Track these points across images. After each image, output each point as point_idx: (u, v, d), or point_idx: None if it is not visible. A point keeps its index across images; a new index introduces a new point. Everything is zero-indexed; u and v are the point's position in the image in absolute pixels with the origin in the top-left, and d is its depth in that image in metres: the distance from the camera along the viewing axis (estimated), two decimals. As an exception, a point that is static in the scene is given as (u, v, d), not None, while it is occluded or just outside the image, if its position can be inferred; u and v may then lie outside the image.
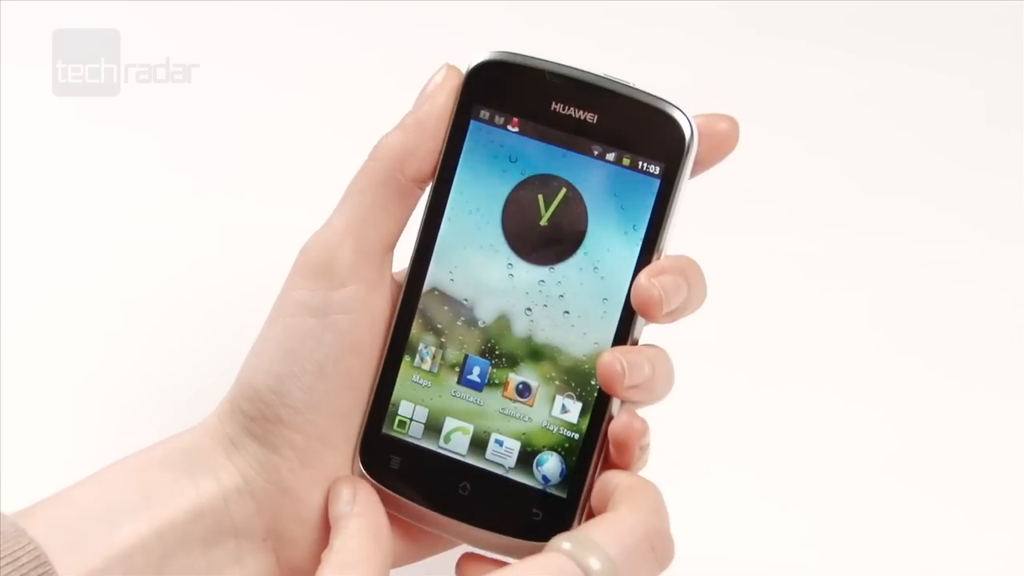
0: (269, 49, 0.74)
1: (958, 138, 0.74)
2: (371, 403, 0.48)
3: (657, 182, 0.47)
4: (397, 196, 0.48)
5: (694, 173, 0.48)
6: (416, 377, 0.48)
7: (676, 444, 0.64)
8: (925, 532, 0.64)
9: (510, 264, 0.48)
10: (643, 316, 0.46)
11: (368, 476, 0.47)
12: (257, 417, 0.47)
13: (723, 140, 0.48)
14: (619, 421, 0.46)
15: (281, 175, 0.71)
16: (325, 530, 0.47)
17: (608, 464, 0.48)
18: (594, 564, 0.42)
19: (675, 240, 0.48)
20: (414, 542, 0.50)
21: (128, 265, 0.68)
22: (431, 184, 0.48)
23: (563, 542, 0.42)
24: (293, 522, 0.48)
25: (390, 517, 0.47)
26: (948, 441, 0.66)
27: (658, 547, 0.43)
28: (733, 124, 0.48)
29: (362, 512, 0.46)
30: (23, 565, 0.42)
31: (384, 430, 0.48)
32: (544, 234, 0.47)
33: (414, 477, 0.47)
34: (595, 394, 0.47)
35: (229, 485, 0.47)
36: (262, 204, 0.70)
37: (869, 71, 0.76)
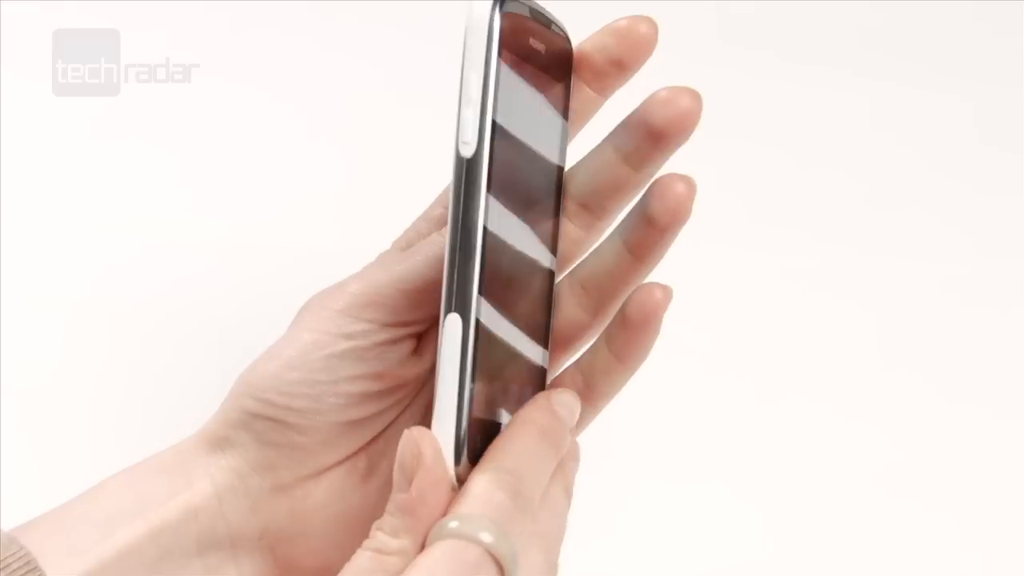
0: (269, 49, 0.74)
1: (958, 157, 0.75)
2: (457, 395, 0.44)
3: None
4: None
5: (621, 76, 0.47)
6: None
7: (673, 458, 0.65)
8: (924, 548, 0.64)
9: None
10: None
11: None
12: (260, 415, 0.47)
13: (645, 41, 0.47)
14: (632, 297, 0.46)
15: (281, 176, 0.71)
16: (321, 527, 0.48)
17: (618, 350, 0.47)
18: (486, 538, 0.41)
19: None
20: None
21: (126, 265, 0.68)
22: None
23: (449, 522, 0.41)
24: (289, 519, 0.48)
25: None
26: (950, 457, 0.66)
27: (520, 500, 0.43)
28: (652, 26, 0.47)
29: (421, 502, 0.42)
30: (15, 571, 0.43)
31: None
32: None
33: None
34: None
35: (223, 483, 0.47)
36: (262, 205, 0.70)
37: (868, 90, 0.76)
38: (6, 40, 0.72)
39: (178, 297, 0.68)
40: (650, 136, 0.46)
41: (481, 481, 0.42)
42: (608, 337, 0.48)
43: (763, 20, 0.77)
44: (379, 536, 0.42)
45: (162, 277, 0.68)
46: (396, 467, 0.43)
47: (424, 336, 0.48)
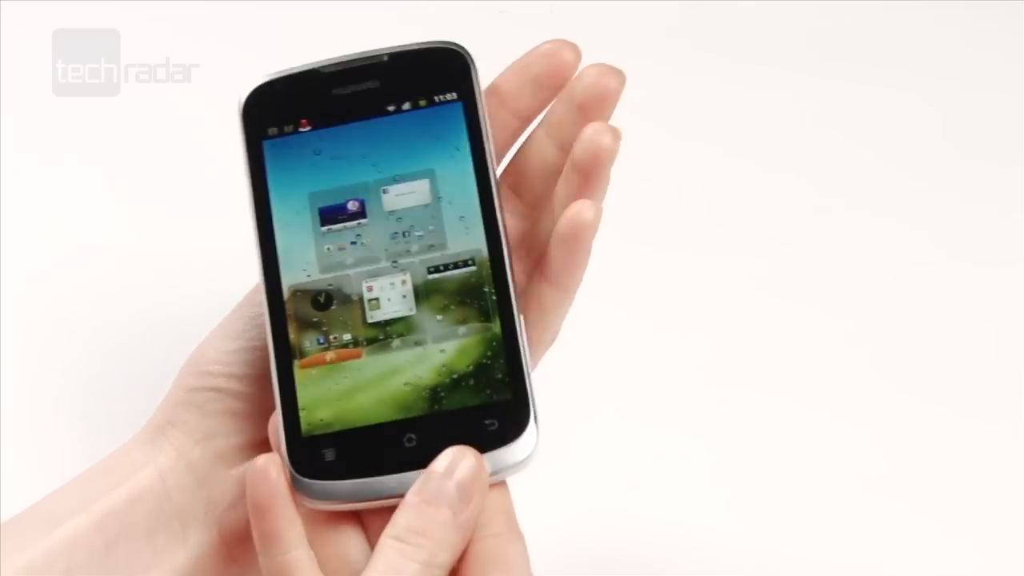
0: (269, 49, 0.74)
1: (920, 157, 0.74)
2: (282, 415, 0.47)
3: (460, 104, 0.49)
4: None
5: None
6: (313, 372, 0.48)
7: (644, 462, 0.65)
8: (891, 548, 0.63)
9: (358, 235, 0.49)
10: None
11: (306, 479, 0.46)
12: (201, 388, 0.49)
13: (567, 67, 0.49)
14: (564, 216, 0.47)
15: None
16: None
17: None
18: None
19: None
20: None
21: (128, 263, 0.68)
22: (251, 211, 0.49)
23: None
24: (232, 486, 0.49)
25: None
26: (914, 454, 0.66)
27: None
28: (577, 54, 0.49)
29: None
30: None
31: (304, 432, 0.47)
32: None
33: (355, 458, 0.47)
34: (494, 296, 0.47)
35: (166, 464, 0.49)
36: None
37: (824, 91, 0.76)
38: (6, 40, 0.72)
39: (177, 293, 0.68)
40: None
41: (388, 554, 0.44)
42: (540, 267, 0.49)
43: (717, 22, 0.77)
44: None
45: (163, 274, 0.68)
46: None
47: None
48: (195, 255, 0.69)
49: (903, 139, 0.75)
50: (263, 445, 0.49)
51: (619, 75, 0.49)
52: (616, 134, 0.47)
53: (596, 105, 0.48)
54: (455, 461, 0.45)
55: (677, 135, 0.73)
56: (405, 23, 0.75)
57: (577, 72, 0.49)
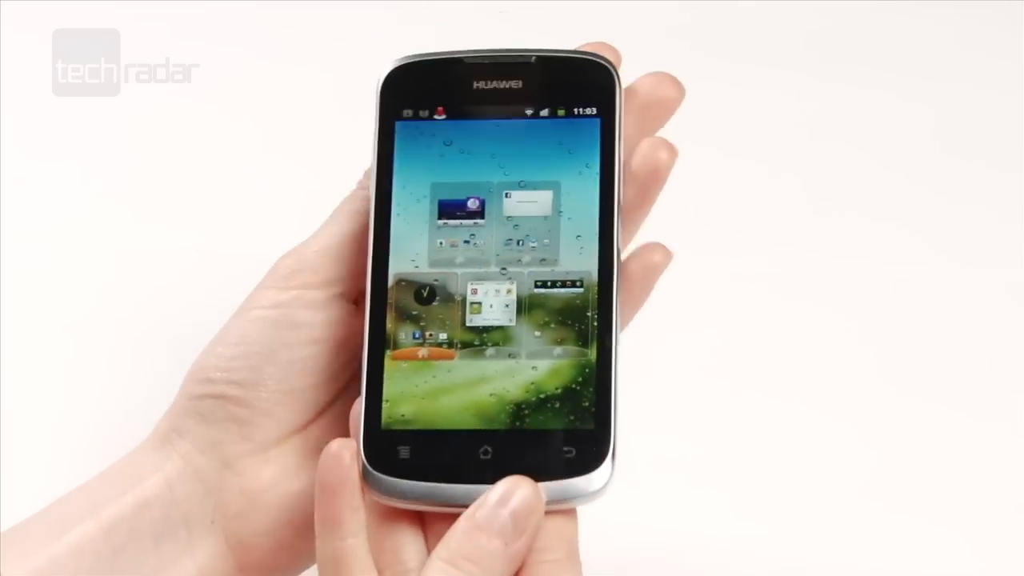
0: (269, 49, 0.74)
1: (915, 160, 0.74)
2: (364, 402, 0.47)
3: (598, 120, 0.48)
4: None
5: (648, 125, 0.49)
6: (404, 365, 0.47)
7: (646, 469, 0.65)
8: (893, 548, 0.64)
9: (472, 235, 0.48)
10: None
11: (377, 472, 0.46)
12: (204, 395, 0.48)
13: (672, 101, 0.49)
14: (635, 256, 0.47)
15: (283, 174, 0.71)
16: (273, 505, 0.48)
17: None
18: None
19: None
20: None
21: (128, 263, 0.68)
22: (372, 191, 0.48)
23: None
24: (238, 495, 0.49)
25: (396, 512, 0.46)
26: (918, 457, 0.66)
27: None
28: (680, 89, 0.49)
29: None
30: None
31: (384, 425, 0.47)
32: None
33: (429, 460, 0.46)
34: (595, 323, 0.47)
35: (172, 472, 0.48)
36: (263, 202, 0.70)
37: (825, 93, 0.76)
38: (6, 40, 0.72)
39: (182, 291, 0.68)
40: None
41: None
42: None
43: (717, 23, 0.77)
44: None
45: (168, 274, 0.68)
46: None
47: (362, 299, 0.49)
48: (197, 255, 0.69)
49: (903, 141, 0.75)
50: (269, 452, 0.49)
51: (678, 85, 0.49)
52: (673, 150, 0.47)
53: (654, 114, 0.48)
54: (510, 490, 0.44)
55: (676, 136, 0.73)
56: (406, 23, 0.75)
57: (635, 80, 0.49)
